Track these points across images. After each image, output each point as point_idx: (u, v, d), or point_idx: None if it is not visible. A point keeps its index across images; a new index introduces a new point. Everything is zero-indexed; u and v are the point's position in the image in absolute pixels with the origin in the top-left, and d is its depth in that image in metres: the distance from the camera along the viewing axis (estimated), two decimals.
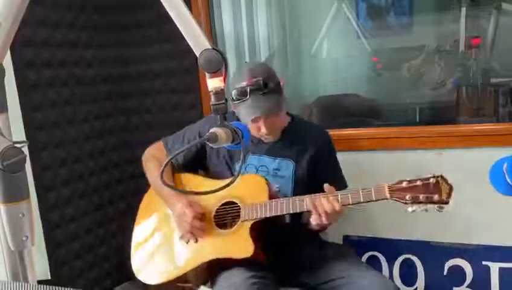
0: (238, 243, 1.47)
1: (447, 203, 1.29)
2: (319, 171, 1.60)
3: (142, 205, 1.76)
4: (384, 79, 2.81)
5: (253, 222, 1.47)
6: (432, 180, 1.30)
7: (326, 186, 1.40)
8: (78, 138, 2.18)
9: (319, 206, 1.37)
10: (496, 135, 1.85)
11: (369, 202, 1.36)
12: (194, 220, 1.50)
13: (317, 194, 1.41)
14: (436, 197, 1.29)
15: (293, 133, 1.63)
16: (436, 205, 1.30)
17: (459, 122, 2.28)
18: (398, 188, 1.33)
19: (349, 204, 1.38)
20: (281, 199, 1.46)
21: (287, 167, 1.60)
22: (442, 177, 1.31)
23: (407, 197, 1.31)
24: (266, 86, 1.47)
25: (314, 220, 1.40)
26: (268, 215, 1.45)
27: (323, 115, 2.53)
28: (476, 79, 2.36)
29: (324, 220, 1.38)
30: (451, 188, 1.30)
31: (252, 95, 1.46)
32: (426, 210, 1.32)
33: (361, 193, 1.36)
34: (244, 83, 1.47)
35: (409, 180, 1.33)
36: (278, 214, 1.44)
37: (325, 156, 1.63)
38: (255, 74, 1.49)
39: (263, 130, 1.52)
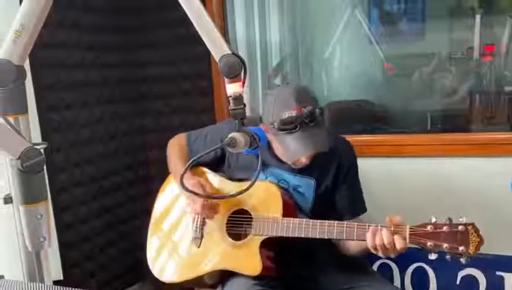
0: (246, 259, 1.43)
1: (472, 256, 1.17)
2: (339, 191, 1.53)
3: (160, 196, 1.74)
4: (396, 85, 2.81)
5: (264, 237, 1.42)
6: (460, 228, 1.17)
7: (397, 219, 1.26)
8: (92, 140, 2.19)
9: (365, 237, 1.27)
10: (509, 144, 1.84)
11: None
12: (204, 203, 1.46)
13: (334, 221, 1.34)
14: (461, 249, 1.17)
15: None
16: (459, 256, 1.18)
17: (472, 130, 2.26)
18: (421, 233, 1.20)
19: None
20: (295, 220, 1.39)
21: (308, 185, 1.52)
22: (473, 226, 1.18)
23: (428, 244, 1.19)
24: (315, 117, 1.35)
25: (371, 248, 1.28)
26: (280, 235, 1.40)
27: (334, 121, 2.53)
28: (489, 87, 2.34)
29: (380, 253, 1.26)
30: (481, 241, 1.17)
31: (301, 127, 1.33)
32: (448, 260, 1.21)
33: (382, 232, 1.24)
34: (293, 113, 1.33)
35: (434, 225, 1.20)
36: (290, 235, 1.38)
37: (347, 175, 1.53)
38: (303, 102, 1.35)
39: (304, 161, 1.44)
